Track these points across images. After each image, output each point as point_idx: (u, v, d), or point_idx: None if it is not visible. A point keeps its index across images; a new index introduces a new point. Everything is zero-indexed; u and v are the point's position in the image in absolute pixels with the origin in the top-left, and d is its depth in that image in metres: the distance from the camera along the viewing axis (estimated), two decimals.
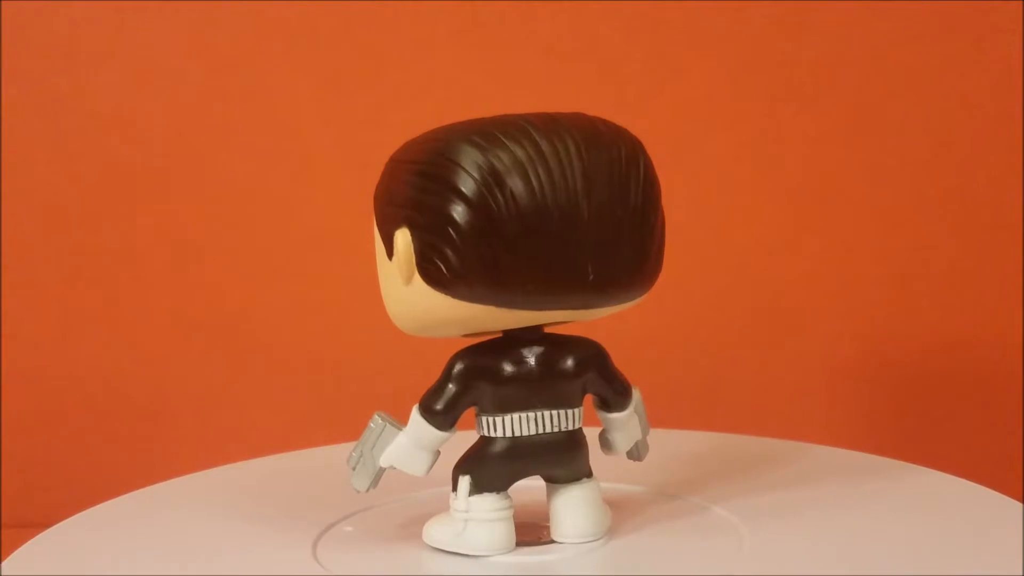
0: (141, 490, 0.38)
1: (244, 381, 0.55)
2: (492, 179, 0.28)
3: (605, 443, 0.33)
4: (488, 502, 0.31)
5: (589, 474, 0.32)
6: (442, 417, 0.31)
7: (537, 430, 0.31)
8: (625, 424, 0.32)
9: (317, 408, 0.54)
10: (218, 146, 0.54)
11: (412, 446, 0.31)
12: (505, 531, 0.31)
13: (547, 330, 0.31)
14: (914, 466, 0.38)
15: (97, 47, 0.53)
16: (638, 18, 0.53)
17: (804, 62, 0.53)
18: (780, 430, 0.46)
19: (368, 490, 0.32)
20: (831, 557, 0.30)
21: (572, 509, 0.32)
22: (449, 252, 0.28)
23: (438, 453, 0.32)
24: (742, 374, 0.54)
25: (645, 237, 0.30)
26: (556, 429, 0.31)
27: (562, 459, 0.31)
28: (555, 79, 0.53)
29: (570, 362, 0.31)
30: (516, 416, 0.31)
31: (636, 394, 0.33)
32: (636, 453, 0.33)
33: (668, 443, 0.40)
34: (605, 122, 0.30)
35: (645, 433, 0.33)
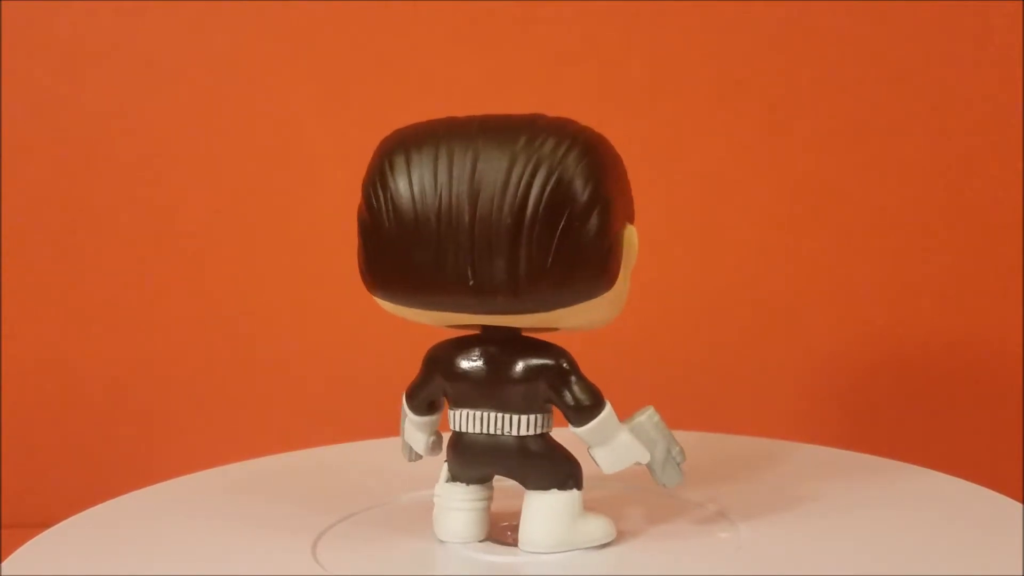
0: (141, 490, 0.38)
1: (244, 381, 0.55)
2: (383, 184, 0.30)
3: (592, 458, 0.32)
4: (456, 491, 0.32)
5: (562, 485, 0.31)
6: (413, 401, 0.33)
7: (482, 429, 0.31)
8: (601, 442, 0.31)
9: (317, 408, 0.54)
10: (218, 146, 0.54)
11: (409, 425, 0.33)
12: (464, 522, 0.32)
13: (527, 333, 0.31)
14: (913, 466, 0.38)
15: (97, 47, 0.53)
16: (638, 19, 0.53)
17: (804, 62, 0.53)
18: (779, 430, 0.46)
19: (410, 461, 0.34)
20: (830, 557, 0.30)
21: (529, 517, 0.31)
22: (360, 251, 0.30)
23: (437, 434, 0.33)
24: (741, 374, 0.54)
25: (543, 245, 0.29)
26: (500, 432, 0.31)
27: (513, 464, 0.31)
28: (555, 79, 0.53)
29: (520, 367, 0.31)
30: (465, 412, 0.31)
31: (643, 414, 0.31)
32: (656, 477, 0.32)
33: None
34: (552, 126, 0.30)
35: (668, 460, 0.32)
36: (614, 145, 0.31)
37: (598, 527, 0.32)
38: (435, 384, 0.32)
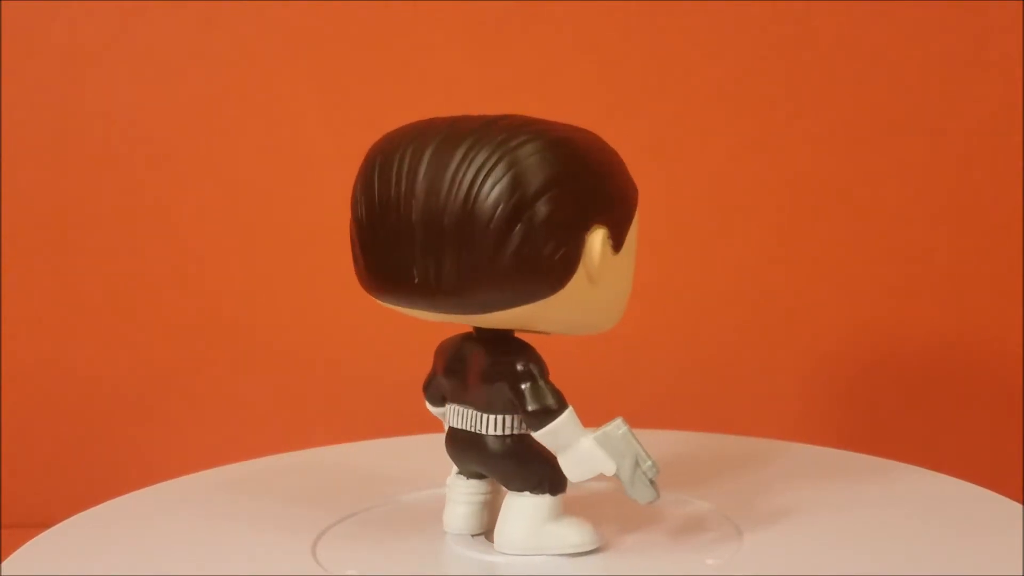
0: (141, 490, 0.38)
1: (244, 381, 0.55)
2: (360, 187, 0.30)
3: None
4: (458, 484, 0.33)
5: (535, 489, 0.31)
6: (427, 393, 0.33)
7: (464, 426, 0.31)
8: (560, 448, 0.30)
9: (317, 408, 0.54)
10: (218, 146, 0.54)
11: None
12: (462, 515, 0.33)
13: (520, 334, 0.31)
14: (913, 467, 0.38)
15: (97, 47, 0.53)
16: (638, 19, 0.53)
17: (804, 62, 0.53)
18: (778, 431, 0.46)
19: None
20: (830, 558, 0.30)
21: (503, 518, 0.31)
22: (351, 250, 0.31)
23: None
24: (741, 374, 0.54)
25: (480, 242, 0.28)
26: (475, 429, 0.31)
27: (492, 463, 0.31)
28: (555, 79, 0.53)
29: (489, 367, 0.31)
30: (454, 408, 0.32)
31: (610, 425, 0.30)
32: (626, 491, 0.30)
33: (664, 444, 0.40)
34: (514, 124, 0.29)
35: (637, 475, 0.30)
36: (613, 146, 0.30)
37: (576, 534, 0.31)
38: (437, 378, 0.32)
